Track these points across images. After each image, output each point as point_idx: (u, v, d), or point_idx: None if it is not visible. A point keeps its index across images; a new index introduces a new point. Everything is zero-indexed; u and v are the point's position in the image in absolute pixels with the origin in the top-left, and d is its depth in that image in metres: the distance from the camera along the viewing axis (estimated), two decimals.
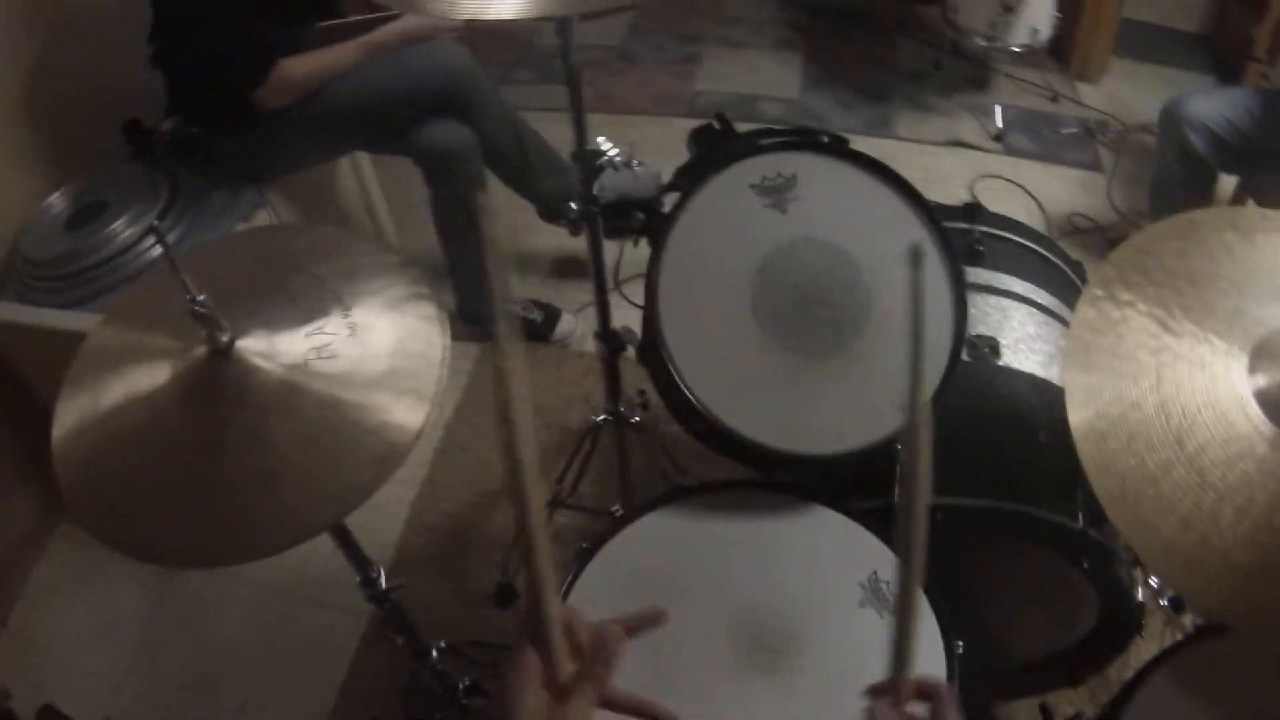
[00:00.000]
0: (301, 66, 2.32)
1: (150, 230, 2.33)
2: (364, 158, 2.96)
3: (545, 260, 3.18)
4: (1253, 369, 1.23)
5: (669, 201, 1.54)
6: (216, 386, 1.20)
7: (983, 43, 3.39)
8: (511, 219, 2.95)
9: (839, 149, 1.56)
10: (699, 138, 1.57)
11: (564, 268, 3.17)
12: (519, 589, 2.32)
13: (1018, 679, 1.91)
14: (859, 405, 1.42)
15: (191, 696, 2.33)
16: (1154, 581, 1.69)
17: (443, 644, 1.85)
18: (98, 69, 2.55)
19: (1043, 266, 1.94)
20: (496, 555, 2.40)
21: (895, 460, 1.51)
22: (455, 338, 1.22)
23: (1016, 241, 1.95)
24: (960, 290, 1.50)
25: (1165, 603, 1.76)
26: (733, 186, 1.51)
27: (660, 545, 1.42)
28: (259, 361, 1.20)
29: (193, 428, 1.19)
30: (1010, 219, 2.03)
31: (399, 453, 1.14)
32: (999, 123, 3.50)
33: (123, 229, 2.36)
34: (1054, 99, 3.63)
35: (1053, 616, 1.79)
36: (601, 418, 2.15)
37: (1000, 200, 3.26)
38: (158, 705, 2.32)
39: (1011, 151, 3.45)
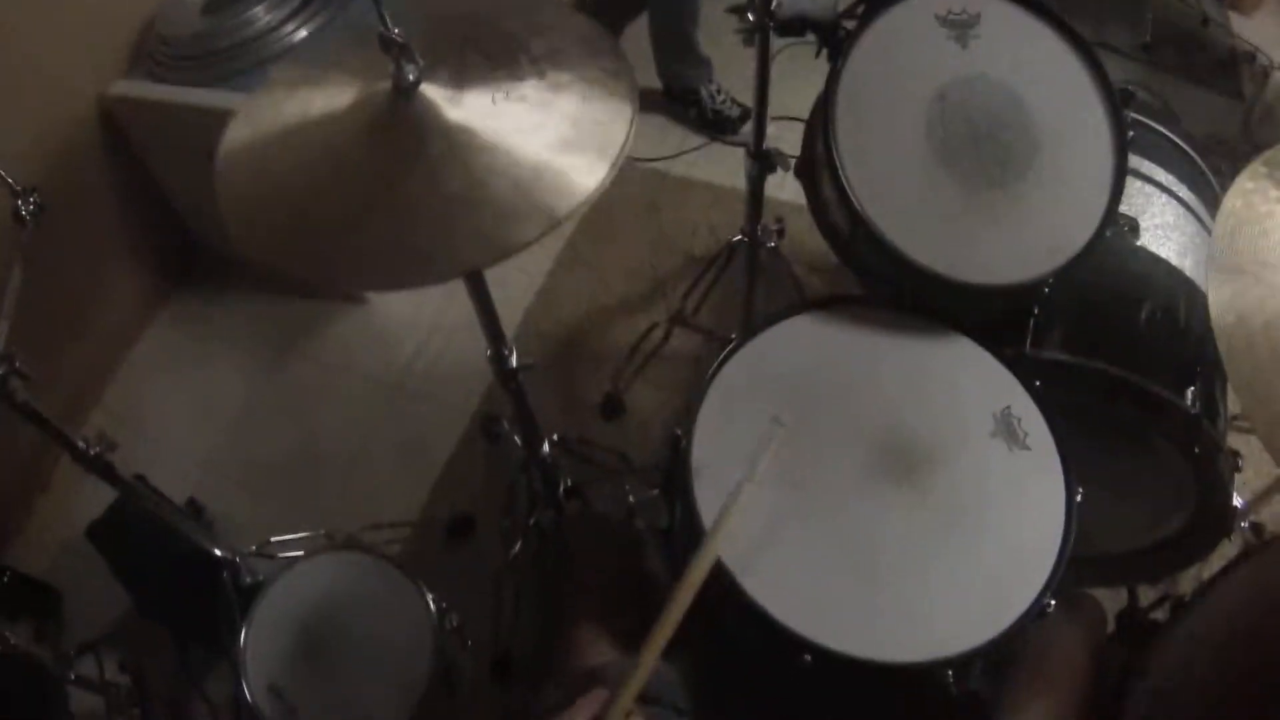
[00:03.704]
0: None
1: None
2: None
3: None
4: None
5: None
6: (397, 122, 1.24)
7: None
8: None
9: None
10: None
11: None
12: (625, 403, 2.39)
13: (1100, 569, 1.92)
14: (1014, 243, 1.46)
15: (283, 479, 2.42)
16: (1239, 502, 1.69)
17: (555, 436, 1.89)
18: None
19: (1187, 164, 1.92)
20: (607, 367, 2.45)
21: (1032, 309, 1.54)
22: None
23: (1165, 134, 1.94)
24: (1122, 162, 1.52)
25: (1245, 525, 1.77)
26: (918, 15, 1.52)
27: (807, 347, 1.47)
28: (442, 103, 1.24)
29: (365, 157, 1.24)
30: (1163, 112, 2.02)
31: (565, 210, 1.16)
32: (1148, 35, 3.42)
33: (262, 14, 2.39)
34: (1205, 23, 3.54)
35: (1146, 510, 1.81)
36: (738, 238, 2.17)
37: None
38: (248, 486, 2.41)
39: (1156, 64, 3.37)
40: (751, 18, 1.62)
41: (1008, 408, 1.41)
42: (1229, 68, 3.40)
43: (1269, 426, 1.22)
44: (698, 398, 1.39)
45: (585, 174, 1.19)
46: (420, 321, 2.66)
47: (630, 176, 2.95)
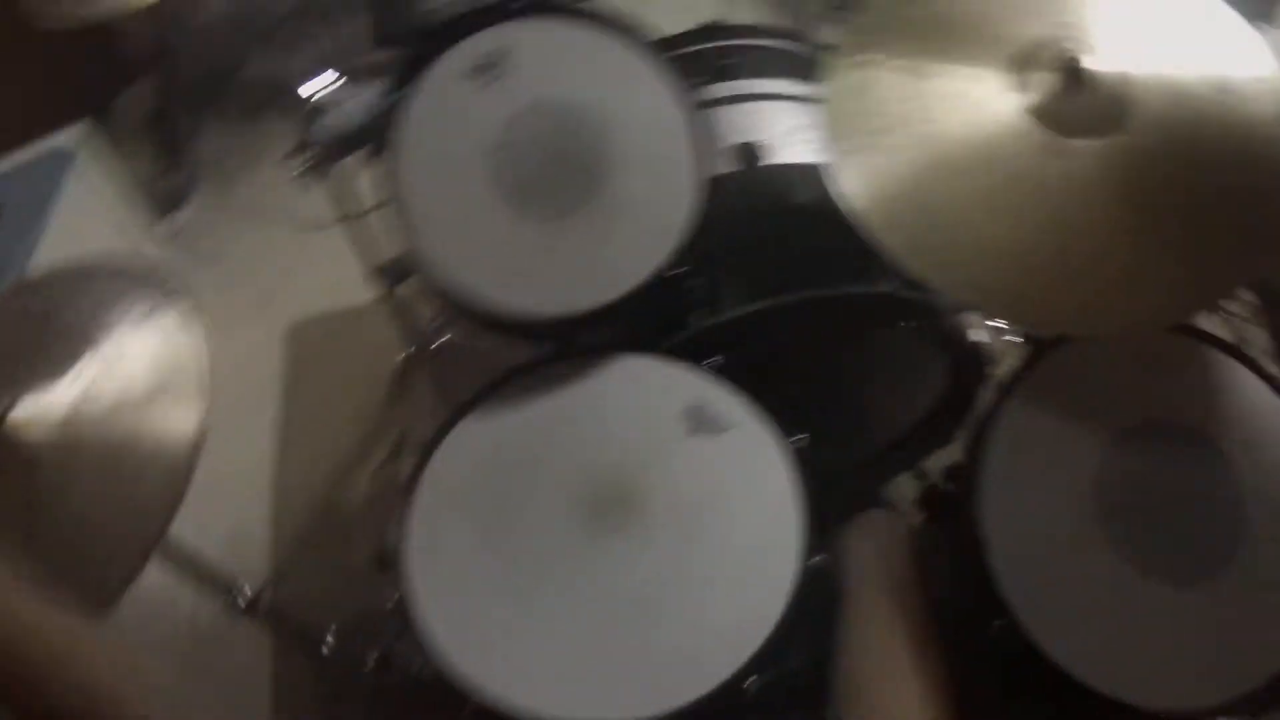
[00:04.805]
0: None
1: None
2: None
3: None
4: (1019, 86, 1.28)
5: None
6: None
7: None
8: None
9: (540, 9, 1.54)
10: (388, 39, 1.53)
11: None
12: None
13: (896, 457, 1.95)
14: (627, 243, 1.45)
15: None
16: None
17: (329, 637, 1.84)
18: None
19: (799, 60, 1.92)
20: (370, 520, 2.35)
21: (680, 288, 1.52)
22: None
23: (765, 45, 1.95)
24: (694, 115, 1.51)
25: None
26: (447, 78, 1.49)
27: (484, 444, 1.41)
28: (32, 429, 1.20)
29: None
30: (753, 25, 2.03)
31: (187, 460, 1.17)
32: None
33: None
34: None
35: (907, 386, 1.84)
36: (405, 354, 2.14)
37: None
38: None
39: None
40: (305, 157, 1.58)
41: (693, 400, 1.39)
42: None
43: (948, 278, 1.24)
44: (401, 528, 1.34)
45: (181, 420, 1.20)
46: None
47: (310, 327, 2.84)
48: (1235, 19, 1.33)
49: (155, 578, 1.39)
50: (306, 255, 2.83)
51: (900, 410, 1.89)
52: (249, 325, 2.79)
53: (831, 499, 1.33)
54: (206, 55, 2.75)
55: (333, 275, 2.61)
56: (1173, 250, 1.20)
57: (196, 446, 1.18)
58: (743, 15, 2.08)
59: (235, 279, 2.87)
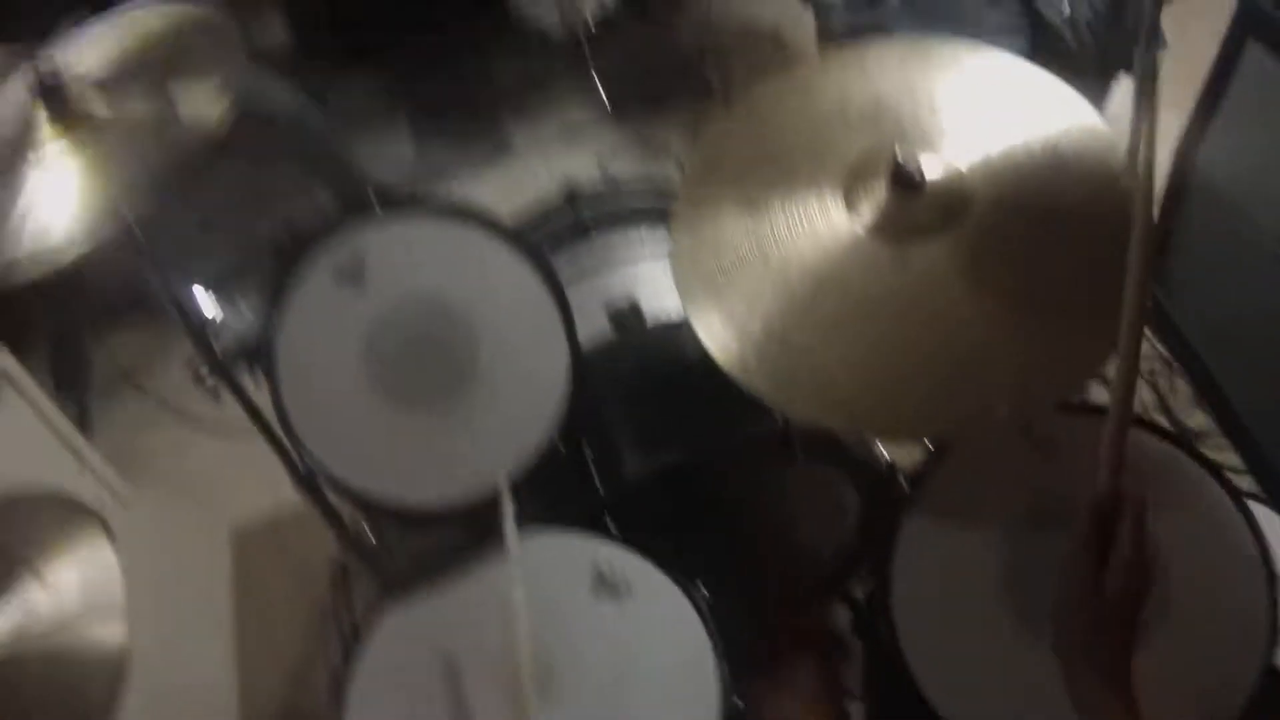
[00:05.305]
0: None
1: None
2: None
3: None
4: (850, 208, 1.28)
5: None
6: None
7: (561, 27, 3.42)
8: None
9: (393, 205, 1.57)
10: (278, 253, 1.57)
11: None
12: None
13: (827, 586, 1.94)
14: (506, 425, 1.50)
15: None
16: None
17: None
18: None
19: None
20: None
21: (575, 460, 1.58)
22: None
23: (631, 206, 2.02)
24: (558, 291, 1.55)
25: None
26: (317, 284, 1.52)
27: (404, 643, 1.44)
28: None
29: None
30: (617, 184, 2.09)
31: (120, 666, 1.26)
32: (605, 94, 3.52)
33: None
34: (648, 46, 3.69)
35: (826, 517, 1.84)
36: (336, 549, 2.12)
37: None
38: None
39: (623, 116, 3.51)
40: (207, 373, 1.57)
41: (594, 566, 1.44)
42: (691, 71, 3.55)
43: (812, 408, 1.24)
44: None
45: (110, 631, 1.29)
46: None
47: (252, 528, 2.83)
48: (1060, 87, 1.35)
49: None
50: (235, 460, 2.65)
51: (826, 539, 1.89)
52: (192, 535, 2.80)
53: (760, 639, 1.37)
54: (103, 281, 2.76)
55: (265, 475, 2.64)
56: (1033, 330, 1.21)
57: (124, 654, 1.26)
58: (618, 167, 2.10)
59: (173, 491, 2.88)
